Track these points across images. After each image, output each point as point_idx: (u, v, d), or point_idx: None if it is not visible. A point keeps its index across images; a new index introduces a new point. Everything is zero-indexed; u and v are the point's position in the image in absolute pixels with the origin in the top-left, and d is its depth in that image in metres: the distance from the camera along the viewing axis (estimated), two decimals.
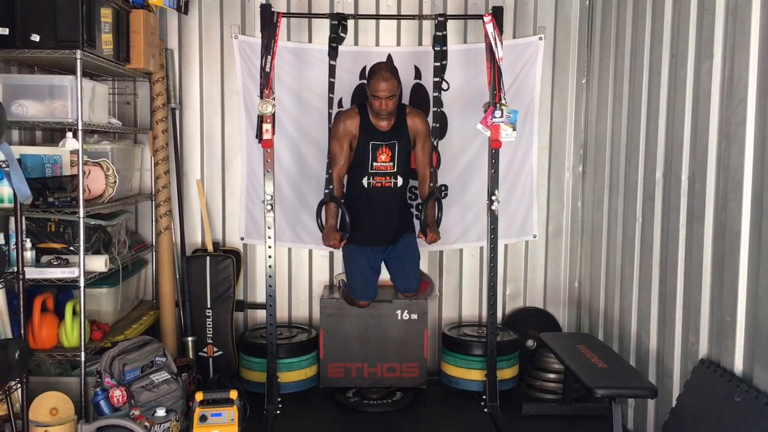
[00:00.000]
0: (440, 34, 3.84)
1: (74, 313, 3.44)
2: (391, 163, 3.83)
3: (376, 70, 3.72)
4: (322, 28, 4.29)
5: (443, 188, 4.43)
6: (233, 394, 3.33)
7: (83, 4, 3.25)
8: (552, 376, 4.17)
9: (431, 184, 3.93)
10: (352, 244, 3.94)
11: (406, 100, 4.39)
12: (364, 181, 3.85)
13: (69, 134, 3.47)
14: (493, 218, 3.91)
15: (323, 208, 3.90)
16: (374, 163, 3.83)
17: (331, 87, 3.88)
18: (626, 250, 3.81)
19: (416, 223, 4.11)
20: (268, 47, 3.68)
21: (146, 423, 3.23)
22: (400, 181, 3.88)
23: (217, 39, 4.42)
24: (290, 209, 4.45)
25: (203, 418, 3.24)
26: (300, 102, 4.37)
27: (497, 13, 3.78)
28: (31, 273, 3.27)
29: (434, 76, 3.91)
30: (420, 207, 4.04)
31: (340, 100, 4.37)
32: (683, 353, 3.14)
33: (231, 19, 4.40)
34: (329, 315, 4.22)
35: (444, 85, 3.92)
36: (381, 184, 3.85)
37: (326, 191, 3.87)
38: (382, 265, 4.09)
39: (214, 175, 4.52)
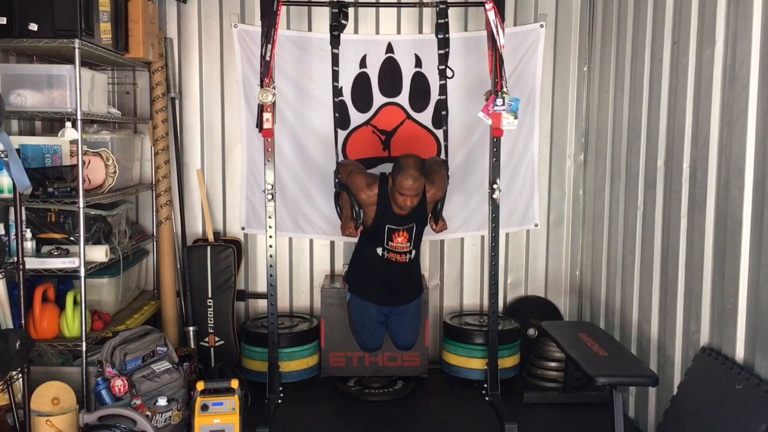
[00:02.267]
0: (442, 21, 3.81)
1: (75, 303, 3.44)
2: (408, 244, 3.76)
3: (404, 167, 3.51)
4: (322, 17, 4.28)
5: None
6: (234, 384, 3.33)
7: None
8: (553, 364, 4.18)
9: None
10: (361, 299, 3.92)
11: (405, 88, 4.38)
12: (379, 251, 3.78)
13: (68, 124, 3.47)
14: (494, 207, 3.90)
15: (338, 198, 3.89)
16: (390, 243, 3.75)
17: (335, 75, 3.86)
18: (627, 239, 3.80)
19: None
20: (268, 36, 3.65)
21: (148, 412, 3.24)
22: (413, 254, 3.82)
23: (216, 28, 4.40)
24: (291, 199, 4.44)
25: (205, 408, 3.24)
26: (300, 91, 4.35)
27: (498, 1, 3.75)
28: (32, 263, 3.27)
29: (439, 64, 3.89)
30: None
31: (341, 89, 4.34)
32: (684, 341, 3.14)
33: (230, 8, 4.38)
34: (330, 304, 4.22)
35: (449, 73, 3.89)
36: (395, 259, 3.79)
37: (336, 180, 3.86)
38: None
39: (215, 165, 4.52)
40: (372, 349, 4.03)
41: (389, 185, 3.63)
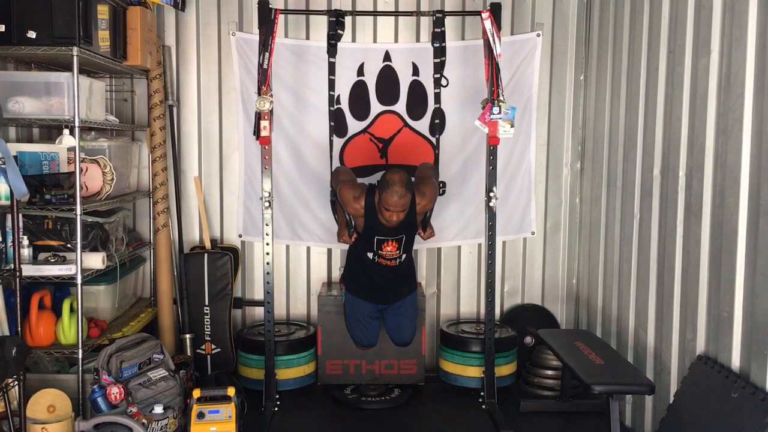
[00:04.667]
0: (438, 30, 3.83)
1: (72, 310, 3.44)
2: (398, 251, 3.76)
3: (390, 184, 3.47)
4: (320, 25, 4.29)
5: (441, 185, 4.42)
6: (231, 391, 3.32)
7: (80, 1, 3.24)
8: (550, 372, 4.17)
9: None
10: (355, 297, 3.94)
11: (403, 96, 4.39)
12: (370, 255, 3.78)
13: (66, 131, 3.48)
14: (491, 215, 3.91)
15: (334, 206, 3.95)
16: (380, 251, 3.75)
17: (331, 84, 3.88)
18: (624, 247, 3.81)
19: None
20: (265, 44, 3.66)
21: (144, 420, 3.23)
22: (404, 257, 3.82)
23: (214, 36, 4.42)
24: (288, 206, 4.45)
25: (201, 415, 3.23)
26: (298, 99, 4.36)
27: (495, 10, 3.77)
28: (28, 270, 3.27)
29: (434, 73, 3.90)
30: None
31: (338, 97, 4.36)
32: (681, 349, 3.15)
33: (228, 16, 4.40)
34: (327, 312, 4.22)
35: (443, 81, 3.91)
36: (386, 264, 3.80)
37: (332, 188, 3.88)
38: None
39: (212, 172, 4.52)
40: (367, 346, 4.03)
41: (376, 199, 3.59)
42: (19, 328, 3.13)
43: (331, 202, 3.97)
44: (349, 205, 3.68)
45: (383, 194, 3.49)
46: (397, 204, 3.47)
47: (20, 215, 3.14)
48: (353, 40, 4.40)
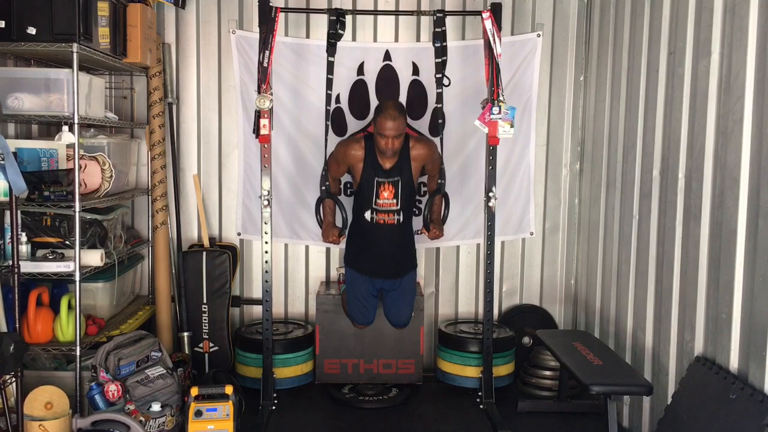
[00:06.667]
0: (439, 30, 3.83)
1: (69, 307, 3.44)
2: (394, 200, 3.80)
3: (384, 108, 3.67)
4: (321, 24, 4.29)
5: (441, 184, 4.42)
6: (228, 390, 3.32)
7: None
8: (548, 373, 4.17)
9: (440, 180, 3.92)
10: (355, 271, 3.95)
11: (403, 96, 4.39)
12: (367, 215, 3.83)
13: (65, 128, 3.47)
14: (490, 215, 3.91)
15: (321, 205, 3.92)
16: (377, 200, 3.80)
17: (329, 83, 3.88)
18: (623, 248, 3.81)
19: (418, 221, 4.10)
20: (265, 42, 3.66)
21: (141, 418, 3.23)
22: (402, 217, 3.85)
23: (214, 33, 4.41)
24: (287, 205, 4.44)
25: (198, 413, 3.23)
26: (297, 98, 4.36)
27: (496, 10, 3.77)
28: (27, 267, 3.26)
29: (435, 73, 3.90)
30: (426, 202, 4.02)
31: (338, 96, 4.36)
32: (679, 350, 3.15)
33: (229, 14, 4.39)
34: (325, 311, 4.21)
35: (445, 81, 3.91)
36: (384, 221, 3.83)
37: (323, 188, 3.88)
38: None
39: (211, 170, 4.52)
40: (364, 323, 4.05)
41: (374, 133, 3.72)
42: (17, 325, 3.13)
43: (318, 201, 3.96)
44: (351, 148, 3.81)
45: (378, 119, 3.65)
46: (391, 127, 3.60)
47: (19, 212, 3.13)
48: (353, 39, 4.40)
